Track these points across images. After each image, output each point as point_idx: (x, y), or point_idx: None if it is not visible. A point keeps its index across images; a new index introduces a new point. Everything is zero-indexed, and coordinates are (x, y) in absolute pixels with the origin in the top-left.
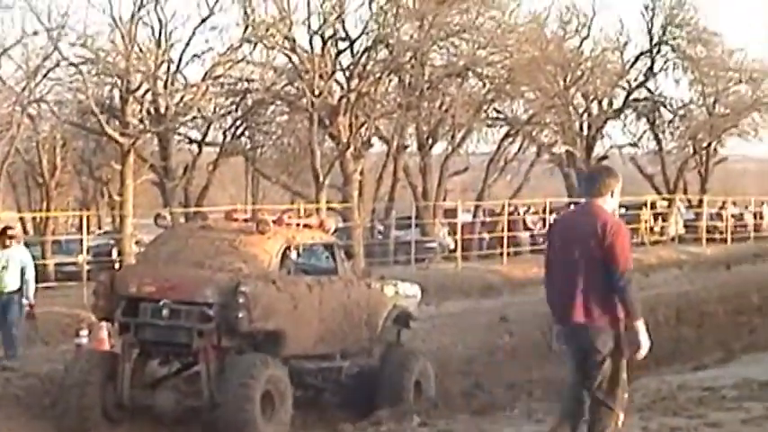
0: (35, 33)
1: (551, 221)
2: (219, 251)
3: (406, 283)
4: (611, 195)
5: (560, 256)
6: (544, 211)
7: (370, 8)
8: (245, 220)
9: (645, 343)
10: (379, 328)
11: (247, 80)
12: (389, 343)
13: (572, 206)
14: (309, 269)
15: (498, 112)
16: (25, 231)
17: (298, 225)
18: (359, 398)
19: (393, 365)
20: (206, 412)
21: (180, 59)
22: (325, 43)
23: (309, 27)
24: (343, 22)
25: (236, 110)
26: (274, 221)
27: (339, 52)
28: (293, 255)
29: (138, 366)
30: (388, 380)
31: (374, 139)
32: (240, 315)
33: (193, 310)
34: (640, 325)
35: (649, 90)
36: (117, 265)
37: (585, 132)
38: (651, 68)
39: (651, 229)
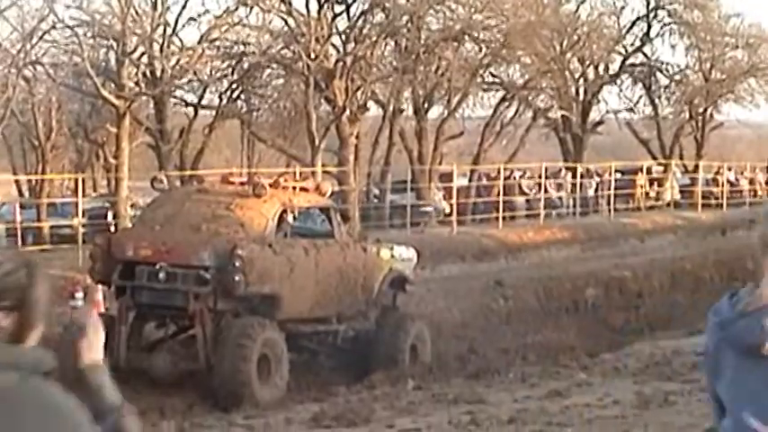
0: None
1: None
2: (216, 214)
3: (402, 247)
4: None
5: None
6: (540, 176)
7: None
8: (242, 184)
9: None
10: (375, 291)
11: (243, 43)
12: (385, 306)
13: (563, 171)
14: (306, 232)
15: (494, 76)
16: (21, 194)
17: (294, 188)
18: (354, 361)
19: (389, 329)
20: (202, 375)
21: (176, 22)
22: (321, 6)
23: None
24: None
25: (232, 73)
26: (271, 185)
27: (335, 15)
28: (290, 218)
29: (134, 329)
30: (384, 343)
31: (370, 103)
32: (236, 278)
33: (190, 273)
34: None
35: (646, 55)
36: (112, 228)
37: (581, 97)
38: (647, 33)
39: (647, 194)
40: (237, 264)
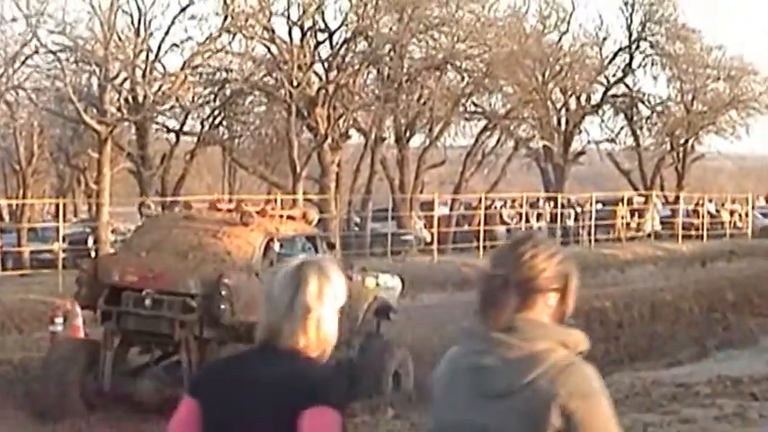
0: (14, 20)
1: None
2: (203, 242)
3: (387, 275)
4: None
5: None
6: (521, 206)
7: (350, 0)
8: (229, 211)
9: None
10: (360, 319)
11: (226, 70)
12: (369, 334)
13: (540, 201)
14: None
15: (476, 105)
16: (1, 218)
17: (281, 216)
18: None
19: (372, 356)
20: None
21: (159, 48)
22: (304, 34)
23: (289, 18)
24: (323, 13)
25: (215, 99)
26: (258, 212)
27: (318, 43)
28: (276, 246)
29: (118, 354)
30: (368, 370)
31: (352, 131)
32: (223, 307)
33: (176, 300)
34: None
35: (627, 86)
36: (93, 253)
37: (563, 127)
38: (630, 64)
39: (627, 224)
40: (224, 292)
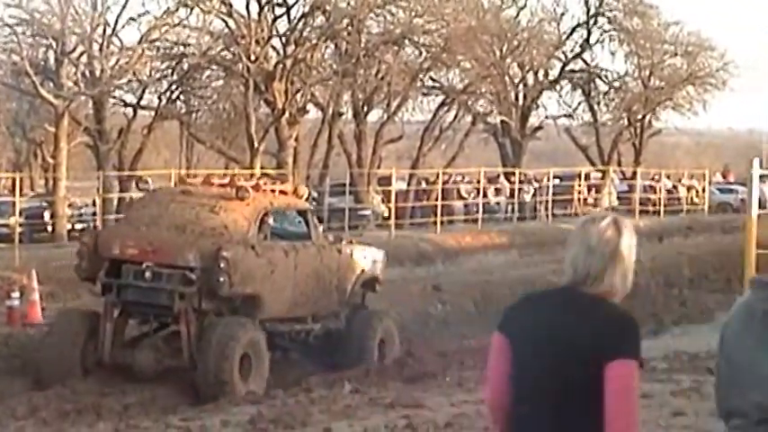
0: None
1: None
2: (200, 216)
3: (373, 248)
4: None
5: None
6: (478, 181)
7: None
8: (222, 186)
9: None
10: (348, 292)
11: (183, 44)
12: (355, 305)
13: (501, 176)
14: (282, 233)
15: (434, 80)
16: None
17: (273, 191)
18: (324, 357)
19: (359, 326)
20: (185, 372)
21: (116, 22)
22: (261, 8)
23: None
24: None
25: (172, 74)
26: (253, 187)
27: (276, 18)
28: (270, 220)
29: (118, 326)
30: (354, 340)
31: (309, 106)
32: (221, 279)
33: (175, 273)
34: None
35: (585, 62)
36: (49, 228)
37: (521, 102)
38: (587, 40)
39: (585, 200)
40: (222, 265)
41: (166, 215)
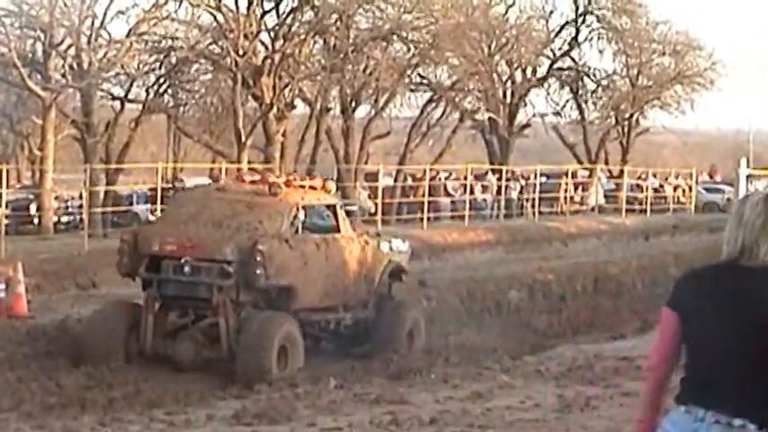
0: None
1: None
2: (236, 212)
3: (399, 240)
4: None
5: None
6: (465, 178)
7: None
8: (253, 182)
9: None
10: (376, 281)
11: (172, 38)
12: (382, 295)
13: (489, 173)
14: (313, 227)
15: (422, 77)
16: None
17: (303, 187)
18: (355, 346)
19: (387, 316)
20: (224, 362)
21: (104, 15)
22: (250, 3)
23: None
24: None
25: (160, 67)
26: (284, 183)
27: (264, 12)
28: (301, 215)
29: (159, 318)
30: (384, 330)
31: (297, 101)
32: (257, 272)
33: (213, 267)
34: None
35: (573, 59)
36: (35, 220)
37: (508, 100)
38: (576, 38)
39: (571, 198)
40: (258, 258)
41: (203, 212)
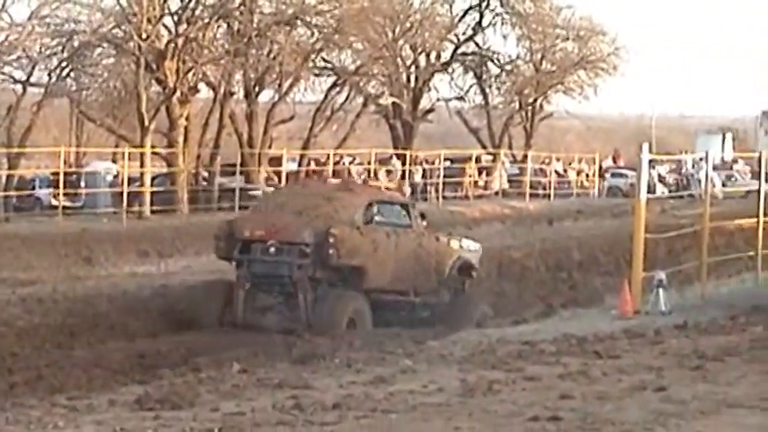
0: None
1: None
2: (316, 204)
3: (470, 240)
4: None
5: None
6: (369, 162)
7: None
8: (335, 182)
9: None
10: (446, 273)
11: (74, 21)
12: (456, 289)
13: (393, 158)
14: (388, 223)
15: (326, 61)
16: None
17: (379, 188)
18: (428, 328)
19: (459, 309)
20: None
21: None
22: None
23: None
24: None
25: (62, 51)
26: (362, 183)
27: None
28: (374, 209)
29: (249, 294)
30: (455, 321)
31: (201, 85)
32: (330, 252)
33: (294, 248)
34: None
35: (477, 44)
36: None
37: (412, 84)
38: (480, 23)
39: (475, 182)
40: (331, 240)
41: (288, 204)
